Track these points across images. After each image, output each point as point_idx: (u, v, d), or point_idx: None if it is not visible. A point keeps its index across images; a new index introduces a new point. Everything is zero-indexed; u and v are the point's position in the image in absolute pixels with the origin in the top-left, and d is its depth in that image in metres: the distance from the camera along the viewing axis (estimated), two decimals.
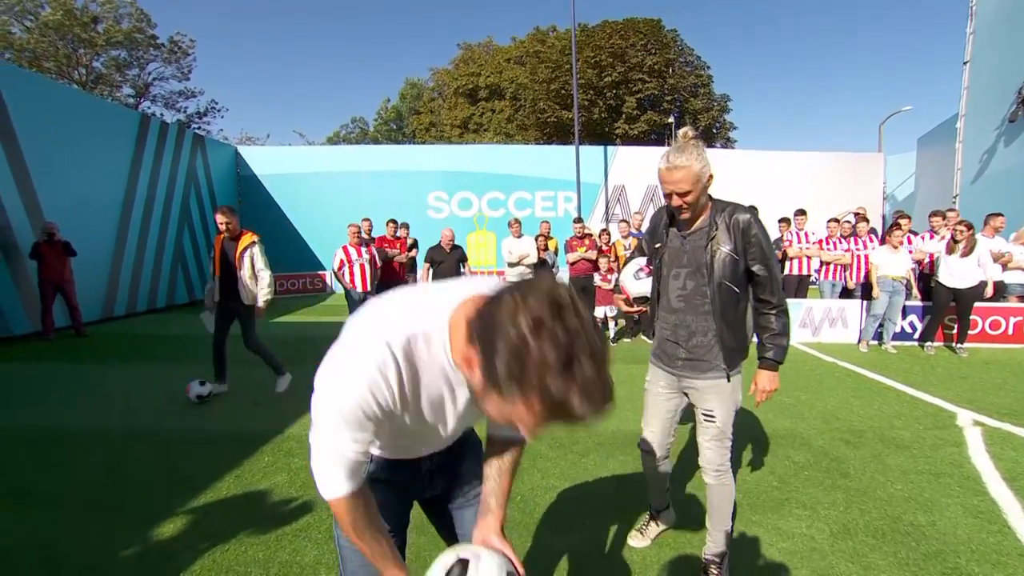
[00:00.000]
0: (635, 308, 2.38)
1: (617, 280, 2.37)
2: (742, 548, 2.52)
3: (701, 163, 1.94)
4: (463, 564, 1.05)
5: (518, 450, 1.28)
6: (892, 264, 6.76)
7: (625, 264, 2.40)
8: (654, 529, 2.57)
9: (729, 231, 2.04)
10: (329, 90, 75.52)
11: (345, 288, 7.10)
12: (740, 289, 2.07)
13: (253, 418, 4.42)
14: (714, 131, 25.36)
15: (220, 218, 4.83)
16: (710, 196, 2.10)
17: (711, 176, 2.00)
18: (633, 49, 21.14)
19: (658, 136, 22.08)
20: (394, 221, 8.15)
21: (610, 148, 16.69)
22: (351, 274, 6.93)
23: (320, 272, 14.81)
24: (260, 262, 4.98)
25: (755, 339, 2.21)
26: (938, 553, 2.46)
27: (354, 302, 7.12)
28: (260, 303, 5.02)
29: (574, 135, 15.05)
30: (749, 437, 3.91)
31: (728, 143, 26.47)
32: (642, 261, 2.42)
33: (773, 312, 2.11)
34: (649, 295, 2.33)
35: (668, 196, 2.02)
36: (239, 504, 2.99)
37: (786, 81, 68.39)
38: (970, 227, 6.62)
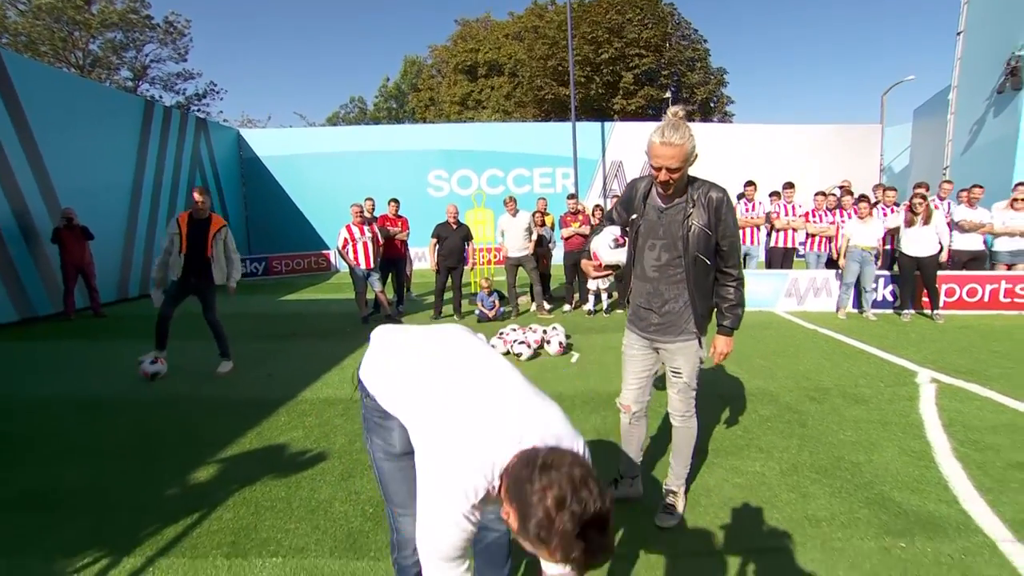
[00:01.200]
0: (603, 273, 2.63)
1: (588, 245, 2.60)
2: (702, 483, 2.90)
3: (692, 143, 2.15)
4: None
5: None
6: (861, 234, 7.04)
7: (595, 231, 2.61)
8: (614, 492, 2.64)
9: (704, 208, 2.28)
10: (327, 70, 74.54)
11: (349, 265, 7.43)
12: (711, 261, 2.32)
13: (268, 387, 4.81)
14: (711, 105, 25.25)
15: (199, 197, 5.10)
16: (690, 175, 2.31)
17: (696, 156, 2.21)
18: (630, 24, 20.98)
19: (655, 111, 22.05)
20: (396, 200, 8.43)
21: (607, 124, 16.79)
22: (355, 252, 7.27)
23: (324, 251, 15.15)
24: (232, 244, 5.36)
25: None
26: (868, 484, 2.83)
27: (358, 279, 7.47)
28: (233, 283, 5.43)
29: (571, 111, 15.17)
30: (724, 395, 4.27)
31: (725, 117, 26.36)
32: (615, 231, 2.52)
33: (733, 284, 2.38)
34: (622, 263, 2.53)
35: (657, 170, 2.21)
36: (261, 455, 3.39)
37: (786, 53, 67.10)
38: (925, 198, 6.89)
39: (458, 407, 1.32)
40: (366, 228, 7.37)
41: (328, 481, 3.01)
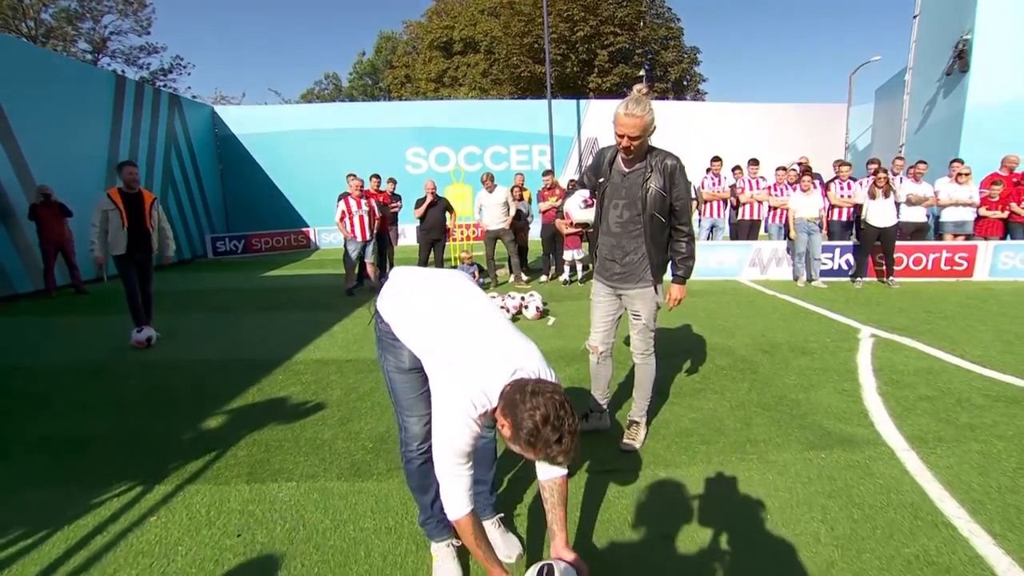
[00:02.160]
0: (575, 230, 3.00)
1: (562, 207, 2.94)
2: (662, 417, 3.32)
3: (651, 116, 2.51)
4: (549, 567, 1.64)
5: (564, 484, 1.77)
6: (806, 207, 7.56)
7: (568, 194, 2.98)
8: (585, 425, 3.01)
9: (660, 173, 2.64)
10: (301, 46, 72.55)
11: (345, 237, 7.64)
12: (665, 219, 2.69)
13: (263, 351, 5.07)
14: (684, 83, 25.60)
15: (134, 170, 5.29)
16: (650, 145, 2.66)
17: (655, 128, 2.57)
18: (605, 2, 21.07)
19: (629, 89, 22.28)
20: (377, 176, 8.61)
21: (583, 102, 17.05)
22: (351, 224, 7.49)
23: (304, 229, 15.20)
24: (164, 216, 5.60)
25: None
26: (803, 415, 3.29)
27: (352, 251, 7.68)
28: (170, 253, 5.67)
29: (547, 89, 15.35)
30: (687, 349, 4.71)
31: (699, 95, 26.78)
32: (585, 193, 2.96)
33: (684, 239, 2.75)
34: (590, 222, 2.96)
35: (620, 137, 2.55)
36: (264, 406, 3.70)
37: (758, 32, 67.73)
38: (886, 171, 7.43)
39: (466, 342, 1.69)
40: (363, 202, 7.58)
41: (329, 424, 3.34)
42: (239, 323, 6.27)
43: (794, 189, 8.61)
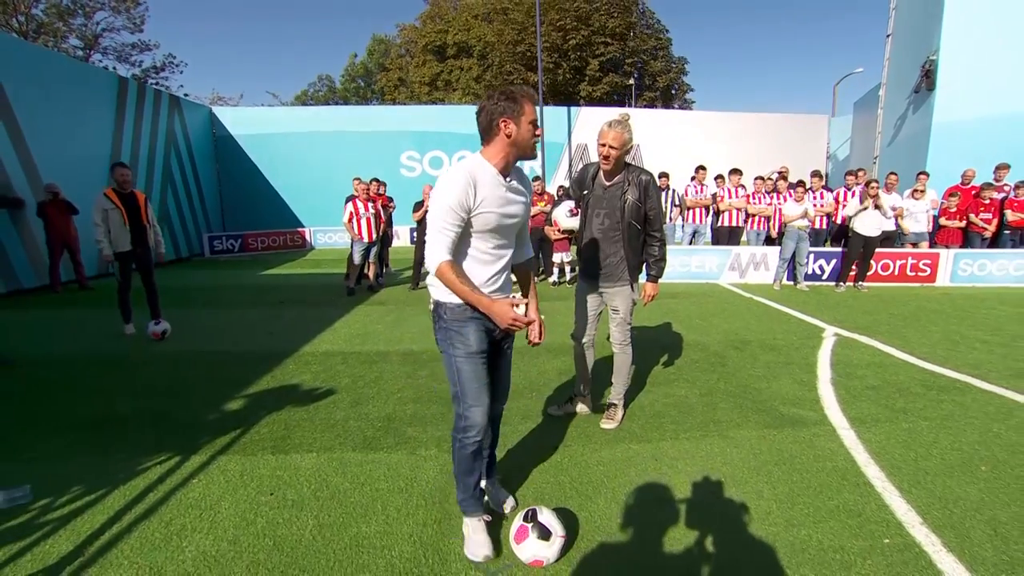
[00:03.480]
0: (562, 236, 3.41)
1: (550, 215, 3.37)
2: (638, 403, 3.73)
3: (629, 135, 2.97)
4: (533, 511, 2.03)
5: (531, 273, 2.33)
6: (796, 214, 8.04)
7: (556, 204, 3.40)
8: (569, 407, 3.51)
9: (636, 187, 3.08)
10: (296, 48, 72.71)
11: (352, 238, 8.00)
12: (640, 226, 3.12)
13: (271, 343, 5.41)
14: (672, 92, 26.24)
15: (126, 172, 5.53)
16: (627, 163, 3.12)
17: (631, 147, 3.01)
18: (597, 13, 21.62)
19: (619, 97, 22.86)
20: (377, 180, 8.97)
21: (574, 109, 17.53)
22: (359, 225, 7.86)
23: (300, 229, 15.48)
24: (153, 215, 5.85)
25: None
26: (763, 401, 3.72)
27: (357, 251, 8.04)
28: (163, 249, 5.96)
29: (539, 97, 15.81)
30: (664, 345, 5.14)
31: (686, 104, 27.44)
32: (571, 204, 3.39)
33: (657, 244, 3.18)
34: (575, 229, 3.39)
35: (601, 146, 3.00)
36: (278, 392, 4.05)
37: (746, 43, 69.03)
38: (876, 183, 7.90)
39: None
40: (370, 204, 7.95)
41: (340, 407, 3.71)
42: (245, 318, 6.60)
43: (771, 197, 9.13)
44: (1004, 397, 3.76)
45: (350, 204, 7.92)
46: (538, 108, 2.33)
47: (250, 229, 14.84)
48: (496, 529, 2.27)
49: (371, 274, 8.43)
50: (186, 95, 13.63)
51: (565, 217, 3.33)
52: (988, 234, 8.64)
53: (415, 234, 8.61)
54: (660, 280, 3.29)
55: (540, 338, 2.21)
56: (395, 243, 12.65)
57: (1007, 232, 8.78)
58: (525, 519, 2.04)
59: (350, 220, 7.91)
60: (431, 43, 32.07)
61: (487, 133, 1.98)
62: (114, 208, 5.42)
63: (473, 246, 2.02)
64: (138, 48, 29.06)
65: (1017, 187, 8.77)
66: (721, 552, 2.14)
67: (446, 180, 1.92)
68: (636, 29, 23.67)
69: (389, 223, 10.01)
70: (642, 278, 3.25)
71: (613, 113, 18.60)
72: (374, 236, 8.06)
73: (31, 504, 2.50)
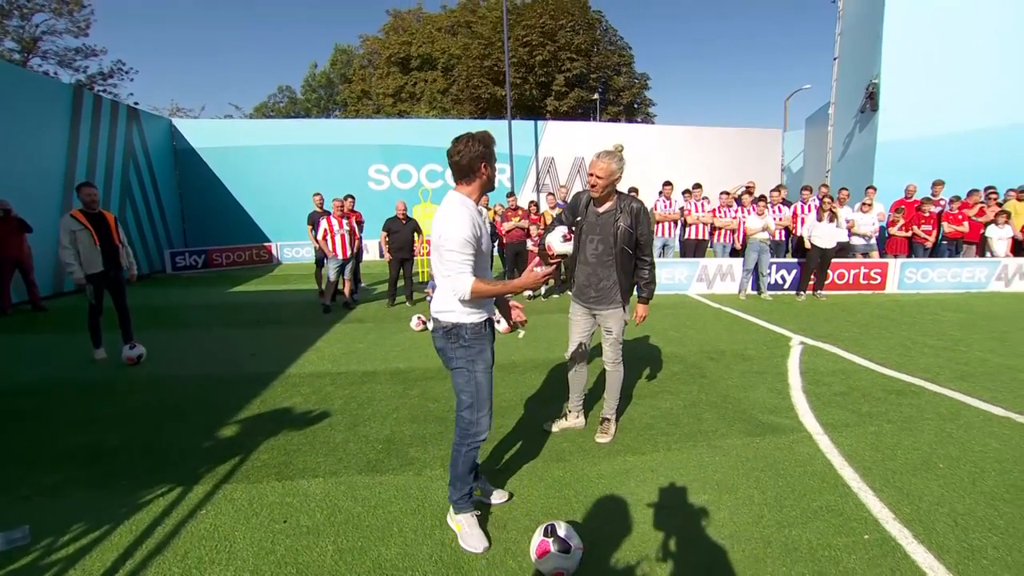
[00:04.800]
0: (555, 260, 3.54)
1: (543, 240, 3.50)
2: (628, 416, 3.90)
3: (617, 165, 3.13)
4: (552, 527, 2.17)
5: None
6: (758, 227, 8.49)
7: (549, 229, 3.51)
8: (563, 423, 3.65)
9: (628, 214, 3.24)
10: (256, 58, 71.10)
11: (326, 254, 7.98)
12: (632, 251, 3.29)
13: (255, 365, 5.35)
14: (635, 107, 27.11)
15: (93, 192, 5.37)
16: (617, 191, 3.30)
17: (619, 178, 3.19)
18: (562, 29, 22.18)
19: (584, 111, 23.45)
20: (352, 196, 8.96)
21: (540, 123, 17.87)
22: (333, 243, 7.82)
23: (266, 244, 15.16)
24: (124, 236, 5.70)
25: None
26: (744, 411, 3.96)
27: (333, 269, 8.00)
28: (135, 270, 5.86)
29: (506, 111, 16.07)
30: (645, 358, 5.36)
31: (648, 118, 28.38)
32: (564, 229, 3.51)
33: (647, 267, 3.36)
34: (568, 254, 3.52)
35: (590, 175, 3.19)
36: (271, 416, 4.03)
37: (706, 60, 72.03)
38: (832, 199, 8.43)
39: None
40: (344, 221, 7.93)
41: (338, 429, 3.74)
42: (221, 339, 6.47)
43: (736, 211, 9.59)
44: (953, 399, 4.13)
45: (324, 221, 7.90)
46: (507, 122, 2.70)
47: (214, 244, 14.44)
48: (483, 521, 2.54)
49: (346, 291, 8.40)
50: (136, 104, 13.17)
51: (559, 243, 3.42)
52: (929, 244, 9.35)
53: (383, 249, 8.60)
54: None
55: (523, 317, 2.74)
56: (365, 256, 12.58)
57: (944, 243, 9.53)
58: (545, 534, 2.16)
59: (324, 237, 7.88)
60: (395, 55, 32.05)
61: (468, 173, 2.32)
62: (83, 229, 5.24)
63: (476, 269, 2.32)
64: (82, 53, 27.78)
65: (951, 201, 9.54)
66: (727, 553, 2.32)
67: (456, 218, 2.19)
68: (600, 46, 24.40)
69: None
70: (632, 298, 3.43)
71: (579, 127, 19.15)
72: (348, 253, 8.06)
73: (32, 545, 2.45)
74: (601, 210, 3.29)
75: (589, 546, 2.33)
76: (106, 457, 3.36)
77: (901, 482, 2.88)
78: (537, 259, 2.42)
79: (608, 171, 3.12)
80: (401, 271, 8.50)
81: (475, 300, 2.25)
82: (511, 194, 9.62)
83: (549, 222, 3.89)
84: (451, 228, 2.18)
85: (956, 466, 3.05)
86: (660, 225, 9.90)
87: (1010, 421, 3.69)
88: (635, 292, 3.45)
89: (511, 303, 2.71)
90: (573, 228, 3.42)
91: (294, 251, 15.33)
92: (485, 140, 2.30)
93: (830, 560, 2.26)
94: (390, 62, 32.26)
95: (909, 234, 9.26)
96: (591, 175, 3.17)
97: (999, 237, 9.12)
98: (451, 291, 2.23)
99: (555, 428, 3.66)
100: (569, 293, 3.84)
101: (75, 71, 27.54)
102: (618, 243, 3.23)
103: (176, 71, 66.07)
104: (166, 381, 4.87)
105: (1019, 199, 9.42)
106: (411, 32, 32.42)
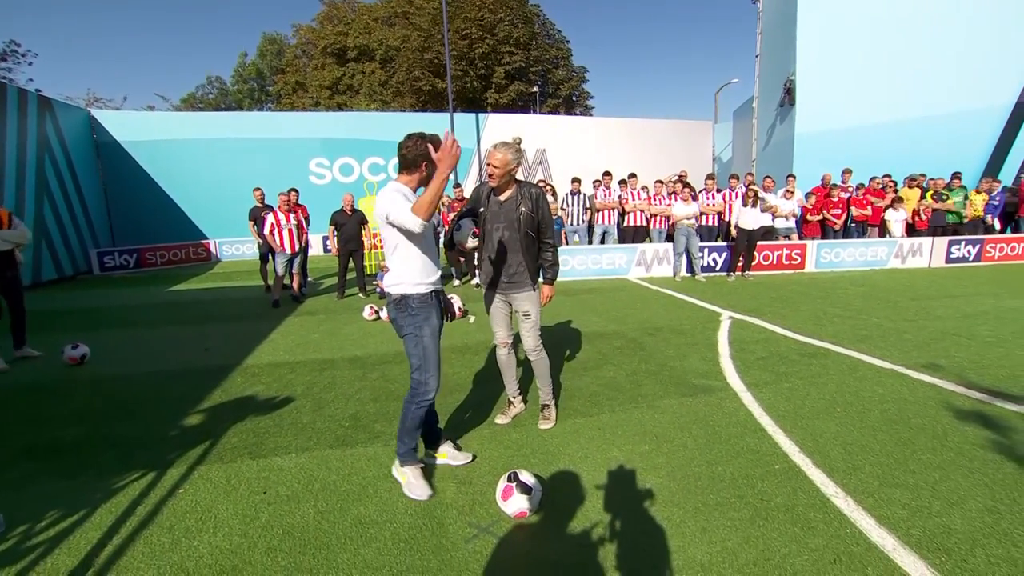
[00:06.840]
0: (468, 254, 3.71)
1: (452, 239, 3.61)
2: (573, 385, 4.27)
3: (513, 155, 3.25)
4: (515, 473, 2.45)
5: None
6: (684, 213, 9.16)
7: (454, 227, 3.41)
8: (512, 411, 3.68)
9: (528, 200, 3.39)
10: (178, 45, 66.66)
11: (273, 249, 7.93)
12: (534, 235, 3.43)
13: (210, 359, 5.33)
14: (573, 99, 27.80)
15: None
16: (516, 179, 3.43)
17: (516, 168, 3.33)
18: (502, 23, 22.41)
19: (524, 103, 23.84)
20: (296, 190, 8.87)
21: (481, 115, 18.08)
22: (280, 237, 7.77)
23: (203, 241, 14.59)
24: (18, 233, 5.44)
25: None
26: (678, 376, 4.43)
27: (280, 263, 7.94)
28: (20, 255, 5.63)
29: (448, 103, 16.17)
30: (588, 334, 5.77)
31: (586, 110, 29.19)
32: (470, 224, 3.40)
33: (550, 249, 3.51)
34: (477, 246, 3.52)
35: (488, 164, 3.23)
36: (234, 404, 4.11)
37: (640, 54, 74.39)
38: (756, 186, 9.18)
39: None
40: (291, 215, 7.87)
41: (304, 412, 3.89)
42: (169, 337, 6.35)
43: (671, 198, 10.23)
44: (853, 357, 4.78)
45: (271, 215, 7.83)
46: (448, 115, 2.98)
47: (146, 243, 13.75)
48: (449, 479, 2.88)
49: (295, 285, 8.37)
50: (38, 91, 12.31)
51: (471, 239, 3.38)
52: (837, 227, 10.37)
53: (327, 242, 8.63)
54: (572, 278, 3.78)
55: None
56: (310, 251, 12.40)
57: (853, 225, 10.59)
58: (509, 480, 2.46)
59: (271, 231, 7.83)
60: (330, 45, 31.18)
61: (411, 166, 2.71)
62: None
63: (420, 245, 2.70)
64: None
65: (858, 188, 10.58)
66: (664, 488, 2.71)
67: (393, 198, 2.57)
68: (539, 39, 24.82)
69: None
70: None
71: (518, 120, 19.50)
72: (296, 247, 8.04)
73: (8, 532, 2.50)
74: (502, 198, 3.40)
75: (548, 490, 2.66)
76: (68, 451, 3.36)
77: (807, 425, 3.40)
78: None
79: (504, 161, 3.23)
80: (351, 263, 8.55)
81: (428, 221, 2.52)
82: (458, 185, 9.83)
83: (450, 221, 3.92)
84: (388, 204, 2.56)
85: (850, 409, 3.62)
86: (600, 213, 10.42)
87: (894, 372, 4.35)
88: (540, 275, 3.55)
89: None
90: (477, 221, 3.45)
91: (234, 248, 14.84)
92: (435, 143, 2.62)
93: (748, 486, 2.70)
94: (326, 53, 31.35)
95: (820, 218, 10.22)
96: (489, 165, 3.27)
97: (896, 220, 10.26)
98: (408, 226, 2.49)
99: (505, 420, 3.68)
100: (481, 287, 3.91)
101: None
102: (522, 227, 3.34)
103: (89, 58, 61.10)
104: (118, 379, 4.79)
105: (909, 187, 10.62)
106: (347, 22, 31.62)
